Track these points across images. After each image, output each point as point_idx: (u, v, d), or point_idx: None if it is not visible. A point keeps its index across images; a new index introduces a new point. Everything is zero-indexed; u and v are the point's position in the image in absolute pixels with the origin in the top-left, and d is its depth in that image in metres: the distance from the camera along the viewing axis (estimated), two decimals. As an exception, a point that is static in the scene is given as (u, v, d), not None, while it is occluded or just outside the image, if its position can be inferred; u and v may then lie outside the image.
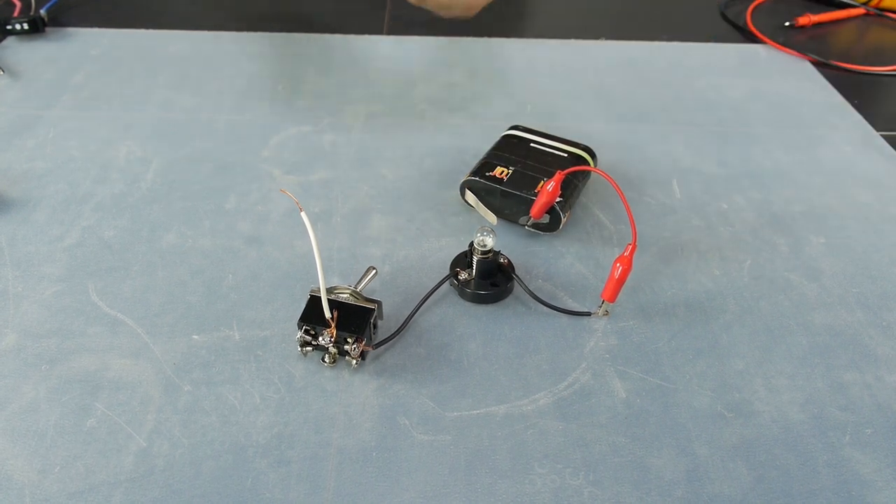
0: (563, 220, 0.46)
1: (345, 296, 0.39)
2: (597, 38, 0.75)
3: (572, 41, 0.74)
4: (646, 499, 0.33)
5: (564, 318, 0.42)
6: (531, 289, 0.42)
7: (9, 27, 0.69)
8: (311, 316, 0.37)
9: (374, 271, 0.41)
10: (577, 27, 0.78)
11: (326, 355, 0.38)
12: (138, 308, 0.42)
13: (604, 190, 0.52)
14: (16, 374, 0.38)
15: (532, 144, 0.51)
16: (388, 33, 0.74)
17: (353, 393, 0.38)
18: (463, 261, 0.44)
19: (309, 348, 0.38)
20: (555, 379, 0.39)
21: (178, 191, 0.51)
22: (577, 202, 0.51)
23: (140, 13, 0.76)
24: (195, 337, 0.40)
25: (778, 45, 0.74)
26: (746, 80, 0.68)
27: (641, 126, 0.61)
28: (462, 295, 0.43)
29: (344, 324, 0.37)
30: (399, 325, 0.40)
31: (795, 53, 0.73)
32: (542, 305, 0.42)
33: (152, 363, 0.39)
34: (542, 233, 0.48)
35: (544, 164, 0.48)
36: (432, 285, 0.42)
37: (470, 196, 0.48)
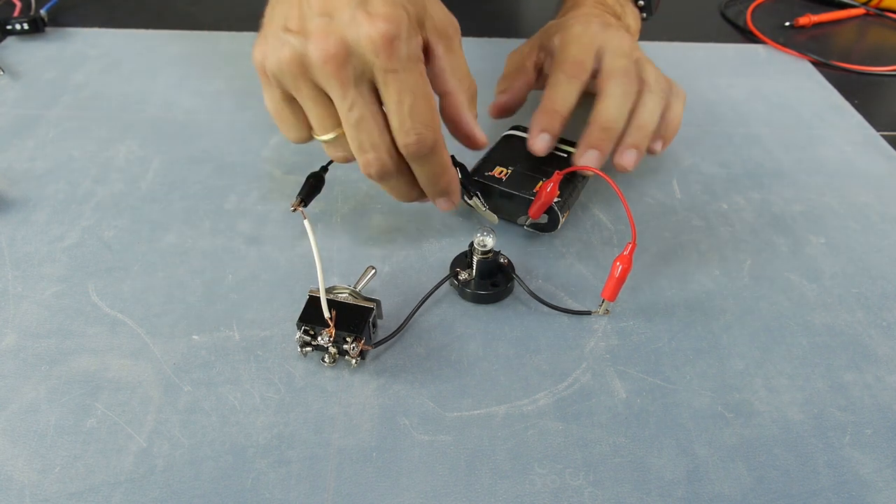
0: (562, 220, 0.46)
1: (343, 295, 0.39)
2: (597, 38, 0.75)
3: (572, 41, 0.74)
4: (646, 499, 0.33)
5: (564, 318, 0.42)
6: (531, 289, 0.42)
7: (9, 27, 0.69)
8: (310, 316, 0.37)
9: (373, 271, 0.41)
10: (577, 27, 0.78)
11: (326, 355, 0.38)
12: (138, 308, 0.42)
13: (604, 190, 0.52)
14: (16, 374, 0.38)
15: (532, 144, 0.51)
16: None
17: (353, 393, 0.38)
18: (463, 261, 0.44)
19: (308, 348, 0.38)
20: (555, 379, 0.39)
21: (178, 191, 0.51)
22: (576, 202, 0.51)
23: (140, 13, 0.76)
24: (195, 337, 0.40)
25: (778, 45, 0.74)
26: (746, 80, 0.68)
27: (641, 126, 0.60)
28: (462, 295, 0.43)
29: (342, 323, 0.37)
30: (399, 325, 0.40)
31: (795, 53, 0.73)
32: (542, 305, 0.42)
33: (152, 363, 0.39)
34: (540, 233, 0.48)
35: (544, 164, 0.48)
36: (432, 285, 0.42)
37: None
